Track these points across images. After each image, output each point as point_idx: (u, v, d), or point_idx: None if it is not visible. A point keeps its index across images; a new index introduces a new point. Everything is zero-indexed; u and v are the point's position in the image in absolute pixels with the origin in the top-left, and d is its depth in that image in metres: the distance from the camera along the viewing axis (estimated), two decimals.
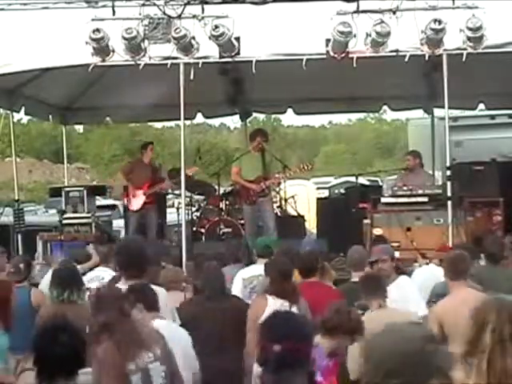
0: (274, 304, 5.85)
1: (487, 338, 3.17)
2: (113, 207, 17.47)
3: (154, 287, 5.76)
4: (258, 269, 7.35)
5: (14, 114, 12.57)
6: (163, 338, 4.63)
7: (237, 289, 7.25)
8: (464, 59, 8.99)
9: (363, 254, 7.37)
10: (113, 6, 9.01)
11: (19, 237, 11.58)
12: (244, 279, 7.34)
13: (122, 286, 5.61)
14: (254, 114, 16.56)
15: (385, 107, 14.85)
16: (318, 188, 22.56)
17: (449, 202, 9.34)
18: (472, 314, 3.36)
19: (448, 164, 9.75)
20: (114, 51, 9.20)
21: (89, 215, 11.97)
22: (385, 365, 2.40)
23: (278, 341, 2.88)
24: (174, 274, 7.08)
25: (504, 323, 3.19)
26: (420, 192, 10.22)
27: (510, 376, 3.11)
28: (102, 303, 4.67)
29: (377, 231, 9.96)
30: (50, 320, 4.42)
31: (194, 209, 12.62)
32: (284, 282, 6.00)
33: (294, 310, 5.83)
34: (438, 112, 13.55)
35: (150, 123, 38.77)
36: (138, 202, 12.00)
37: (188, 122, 19.46)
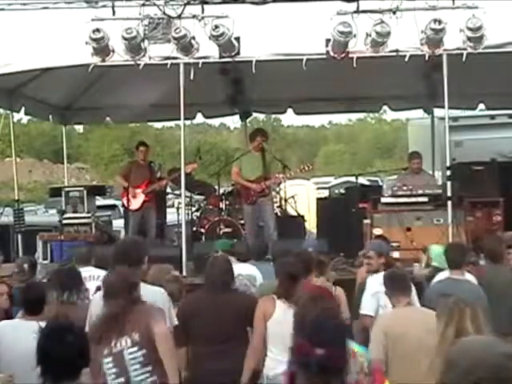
0: (280, 306, 5.87)
1: (450, 332, 3.56)
2: (113, 207, 17.44)
3: (153, 287, 5.78)
4: (235, 269, 7.36)
5: (14, 114, 12.57)
6: (158, 318, 4.67)
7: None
8: (464, 59, 8.99)
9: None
10: (113, 6, 9.01)
11: (19, 237, 11.58)
12: None
13: None
14: (254, 114, 16.55)
15: (385, 107, 14.84)
16: (318, 188, 22.57)
17: (449, 202, 9.34)
18: (439, 312, 3.61)
19: (448, 164, 9.75)
20: (113, 51, 9.20)
21: (89, 215, 11.97)
22: (474, 375, 2.37)
23: (322, 345, 2.89)
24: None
25: (465, 320, 3.43)
26: (420, 192, 10.22)
27: None
28: (113, 291, 4.75)
29: (377, 231, 9.96)
30: (52, 320, 4.42)
31: (193, 209, 12.62)
32: (290, 284, 5.96)
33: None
34: (438, 112, 13.57)
35: (150, 123, 38.89)
36: (137, 201, 12.00)
37: (188, 122, 19.51)
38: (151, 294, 5.61)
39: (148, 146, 12.68)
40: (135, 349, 4.49)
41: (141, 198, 11.98)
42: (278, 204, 12.72)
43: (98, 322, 4.87)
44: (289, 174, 11.67)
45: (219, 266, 6.43)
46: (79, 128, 45.47)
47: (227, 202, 12.18)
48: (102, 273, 7.43)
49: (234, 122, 17.96)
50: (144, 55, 9.25)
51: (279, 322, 5.86)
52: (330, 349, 2.89)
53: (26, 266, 7.84)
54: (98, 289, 6.56)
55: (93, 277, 7.47)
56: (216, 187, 12.90)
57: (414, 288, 6.29)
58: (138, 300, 4.92)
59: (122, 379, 4.67)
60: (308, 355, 2.88)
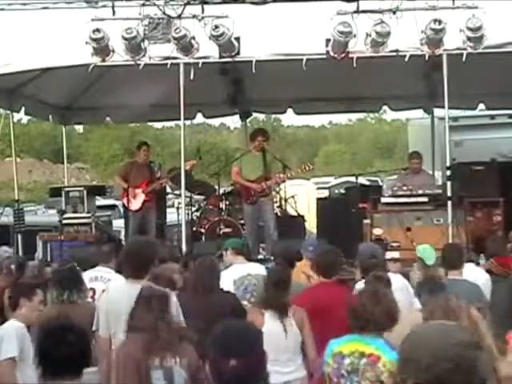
0: (269, 318, 5.87)
1: None
2: (113, 207, 17.45)
3: (157, 287, 5.77)
4: (244, 269, 7.37)
5: (14, 114, 12.57)
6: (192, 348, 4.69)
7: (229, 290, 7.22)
8: (464, 59, 8.99)
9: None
10: (113, 6, 9.01)
11: (19, 237, 11.58)
12: (235, 281, 7.32)
13: (126, 286, 5.64)
14: (254, 114, 16.56)
15: (385, 107, 14.84)
16: (318, 188, 22.58)
17: (449, 202, 9.34)
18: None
19: (448, 164, 9.75)
20: (113, 51, 9.20)
21: (89, 215, 11.97)
22: (436, 368, 2.34)
23: (232, 356, 2.84)
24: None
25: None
26: (420, 192, 10.22)
27: None
28: (150, 303, 4.76)
29: (377, 231, 9.96)
30: (53, 320, 4.42)
31: (193, 209, 12.62)
32: (277, 293, 5.94)
33: (287, 322, 5.86)
34: (438, 112, 13.56)
35: (150, 123, 38.90)
36: (138, 201, 11.98)
37: (188, 122, 19.47)
38: None
39: (149, 146, 12.67)
40: (182, 369, 4.54)
41: (141, 198, 11.96)
42: (278, 204, 12.72)
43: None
44: (289, 174, 11.66)
45: (205, 268, 6.42)
46: (79, 128, 45.53)
47: (227, 202, 12.18)
48: (111, 275, 7.40)
49: (234, 121, 17.99)
50: (144, 55, 9.25)
51: (270, 335, 5.87)
52: (243, 358, 2.84)
53: (12, 267, 7.83)
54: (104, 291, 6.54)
55: (100, 278, 7.42)
56: (216, 187, 12.91)
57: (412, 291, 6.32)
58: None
59: None
60: (221, 368, 2.84)
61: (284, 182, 12.08)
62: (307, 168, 11.82)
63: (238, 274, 7.38)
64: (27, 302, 5.56)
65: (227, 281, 7.12)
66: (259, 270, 7.46)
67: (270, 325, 5.79)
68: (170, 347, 4.66)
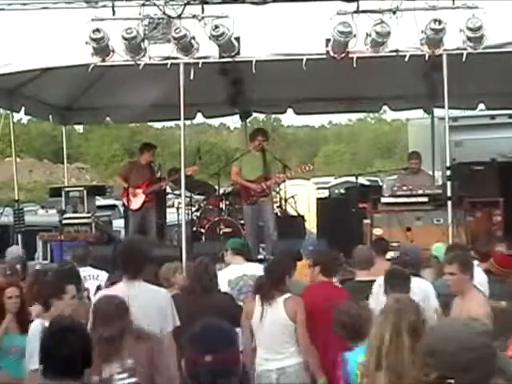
0: (259, 306, 6.05)
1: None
2: (113, 207, 17.45)
3: (153, 287, 5.78)
4: (240, 269, 7.37)
5: (14, 114, 12.57)
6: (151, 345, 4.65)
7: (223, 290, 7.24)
8: (464, 59, 8.98)
9: (370, 252, 7.38)
10: (113, 6, 9.01)
11: (19, 237, 11.58)
12: (230, 281, 7.33)
13: (123, 286, 5.64)
14: (254, 114, 16.56)
15: (385, 107, 14.84)
16: (318, 188, 22.57)
17: (449, 202, 9.33)
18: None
19: (448, 164, 9.75)
20: (113, 51, 9.20)
21: (89, 215, 11.97)
22: (463, 357, 2.42)
23: (207, 352, 2.86)
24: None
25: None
26: (420, 192, 10.22)
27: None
28: (107, 316, 4.71)
29: (377, 231, 9.97)
30: (54, 320, 4.42)
31: (193, 209, 12.61)
32: (264, 279, 6.08)
33: (268, 308, 5.99)
34: (438, 112, 13.56)
35: (150, 123, 38.92)
36: (137, 201, 11.96)
37: (188, 122, 19.48)
38: (152, 294, 5.62)
39: (155, 149, 12.66)
40: (125, 375, 4.43)
41: (141, 198, 11.94)
42: (278, 204, 12.72)
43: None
44: (289, 174, 11.66)
45: (202, 269, 6.43)
46: (79, 128, 45.52)
47: (227, 202, 12.18)
48: (100, 272, 7.46)
49: (234, 121, 18.00)
50: (144, 55, 9.24)
51: (255, 322, 6.04)
52: (218, 354, 2.86)
53: (18, 266, 7.83)
54: (99, 288, 6.58)
55: (92, 276, 7.48)
56: (216, 187, 12.91)
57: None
58: (131, 325, 4.85)
59: None
60: (197, 364, 2.85)
61: (284, 181, 12.09)
62: (307, 168, 11.81)
63: (233, 274, 7.40)
64: (57, 301, 5.56)
65: (223, 281, 7.15)
66: (256, 270, 7.47)
67: (258, 313, 6.02)
68: (113, 354, 4.59)
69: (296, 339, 6.04)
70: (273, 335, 6.04)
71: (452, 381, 2.39)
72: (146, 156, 12.17)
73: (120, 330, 4.74)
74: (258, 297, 6.14)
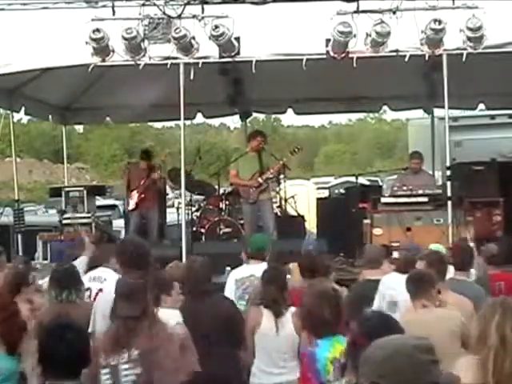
0: (267, 318, 5.88)
1: (492, 336, 3.41)
2: (113, 207, 17.46)
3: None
4: (249, 269, 7.33)
5: (14, 114, 12.57)
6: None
7: (229, 290, 7.20)
8: (464, 59, 8.99)
9: (380, 251, 7.33)
10: (113, 6, 9.01)
11: (19, 237, 11.58)
12: (237, 280, 7.30)
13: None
14: (254, 114, 16.57)
15: (385, 107, 14.85)
16: (318, 188, 22.59)
17: (449, 202, 9.34)
18: (479, 313, 3.64)
19: (448, 164, 9.75)
20: (113, 51, 9.20)
21: (89, 215, 11.98)
22: (389, 364, 2.47)
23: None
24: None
25: (507, 321, 3.36)
26: (420, 192, 10.22)
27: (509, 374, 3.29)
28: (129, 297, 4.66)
29: (377, 231, 9.97)
30: (53, 320, 4.42)
31: (193, 209, 12.62)
32: (272, 292, 5.93)
33: (281, 322, 5.85)
34: (438, 112, 13.56)
35: (150, 123, 38.88)
36: (133, 200, 12.26)
37: (188, 122, 19.50)
38: None
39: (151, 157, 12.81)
40: (130, 365, 4.40)
41: (135, 197, 12.22)
42: (278, 204, 12.72)
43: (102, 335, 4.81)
44: (281, 162, 11.56)
45: (197, 270, 6.37)
46: (79, 128, 45.44)
47: (227, 202, 12.18)
48: (105, 274, 7.41)
49: (234, 122, 18.01)
50: (144, 55, 9.25)
51: (264, 334, 5.89)
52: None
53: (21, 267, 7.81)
54: (100, 290, 6.54)
55: (98, 278, 7.42)
56: (216, 187, 12.91)
57: None
58: (148, 312, 4.69)
59: None
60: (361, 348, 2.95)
61: (279, 172, 11.91)
62: (296, 150, 11.81)
63: (241, 274, 7.37)
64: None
65: (230, 280, 7.16)
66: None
67: (265, 323, 5.85)
68: (120, 342, 4.52)
69: (297, 353, 5.93)
70: (279, 349, 5.95)
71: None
72: (144, 164, 12.47)
73: (142, 310, 4.64)
74: (265, 310, 6.01)
